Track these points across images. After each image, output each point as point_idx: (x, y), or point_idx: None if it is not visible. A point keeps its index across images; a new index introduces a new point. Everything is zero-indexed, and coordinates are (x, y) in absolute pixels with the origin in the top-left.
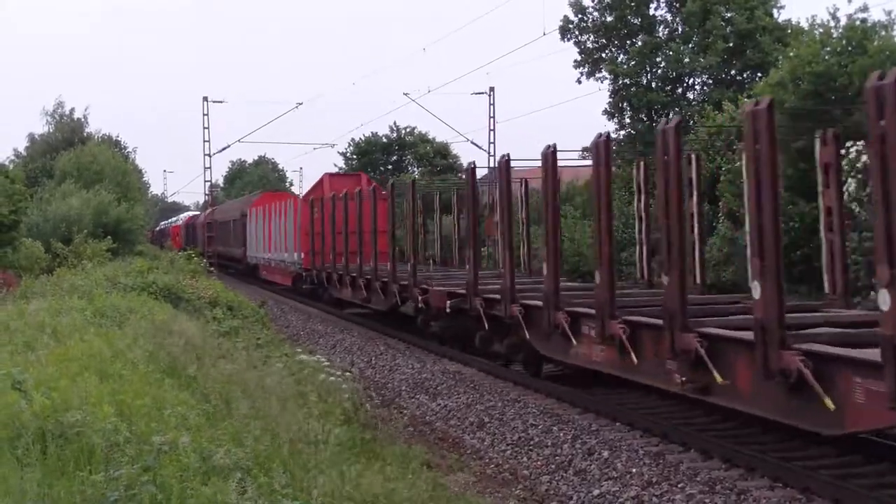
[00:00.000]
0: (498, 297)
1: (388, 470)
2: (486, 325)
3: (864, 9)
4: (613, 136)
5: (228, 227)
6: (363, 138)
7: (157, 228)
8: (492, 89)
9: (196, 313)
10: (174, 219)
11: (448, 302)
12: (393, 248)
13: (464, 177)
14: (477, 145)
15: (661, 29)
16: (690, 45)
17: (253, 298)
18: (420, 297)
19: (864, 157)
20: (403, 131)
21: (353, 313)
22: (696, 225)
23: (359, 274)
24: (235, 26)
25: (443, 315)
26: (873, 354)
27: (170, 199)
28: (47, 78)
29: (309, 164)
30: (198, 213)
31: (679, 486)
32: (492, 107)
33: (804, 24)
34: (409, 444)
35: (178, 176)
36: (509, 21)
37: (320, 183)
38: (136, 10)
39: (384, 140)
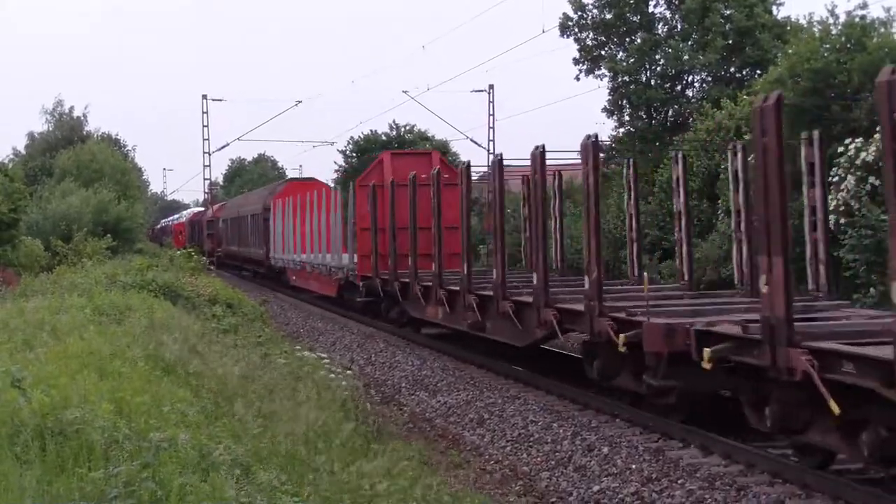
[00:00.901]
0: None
1: (388, 466)
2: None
3: (863, 5)
4: (613, 133)
5: (245, 224)
6: (363, 136)
7: (158, 226)
8: (491, 87)
9: (195, 311)
10: (176, 216)
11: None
12: (467, 249)
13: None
14: (476, 143)
15: (660, 26)
16: (689, 43)
17: (253, 297)
18: (616, 332)
19: (864, 154)
20: (403, 129)
21: (430, 334)
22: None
23: (465, 287)
24: (235, 25)
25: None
26: None
27: (169, 198)
28: (47, 77)
29: (308, 162)
30: (202, 209)
31: (679, 482)
32: (491, 104)
33: (803, 22)
34: (409, 441)
35: (178, 174)
36: (509, 19)
37: (378, 164)
38: (136, 9)
39: (384, 138)
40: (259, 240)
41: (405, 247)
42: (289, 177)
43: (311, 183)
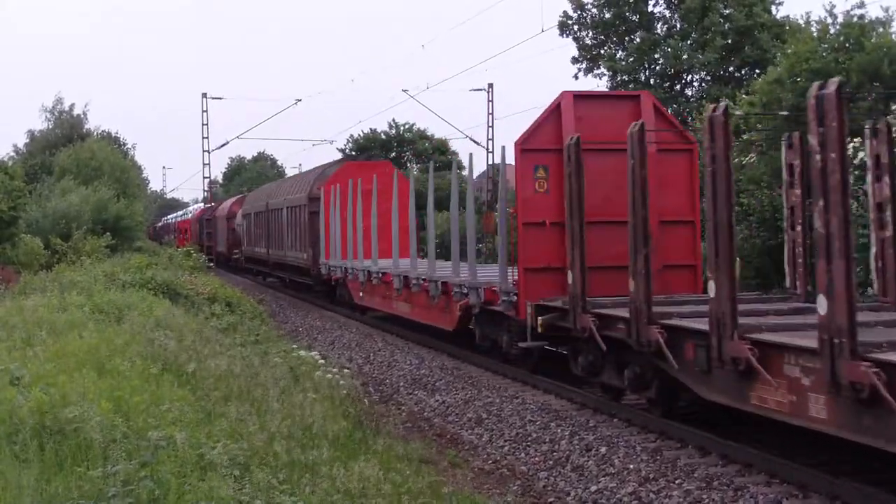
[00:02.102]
0: None
1: (386, 465)
2: None
3: (861, 5)
4: None
5: (277, 220)
6: (362, 135)
7: (159, 224)
8: (490, 86)
9: (195, 309)
10: (180, 213)
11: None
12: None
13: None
14: (475, 142)
15: (659, 25)
16: (689, 42)
17: (252, 294)
18: None
19: (861, 154)
20: (402, 128)
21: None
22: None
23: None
24: (234, 24)
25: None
26: None
27: (168, 196)
28: (47, 76)
29: (308, 160)
30: (210, 204)
31: (676, 482)
32: (490, 103)
33: (801, 21)
34: (407, 440)
35: (177, 172)
36: (508, 18)
37: (553, 114)
38: (136, 9)
39: (383, 136)
40: (301, 240)
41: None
42: (293, 169)
43: (374, 164)
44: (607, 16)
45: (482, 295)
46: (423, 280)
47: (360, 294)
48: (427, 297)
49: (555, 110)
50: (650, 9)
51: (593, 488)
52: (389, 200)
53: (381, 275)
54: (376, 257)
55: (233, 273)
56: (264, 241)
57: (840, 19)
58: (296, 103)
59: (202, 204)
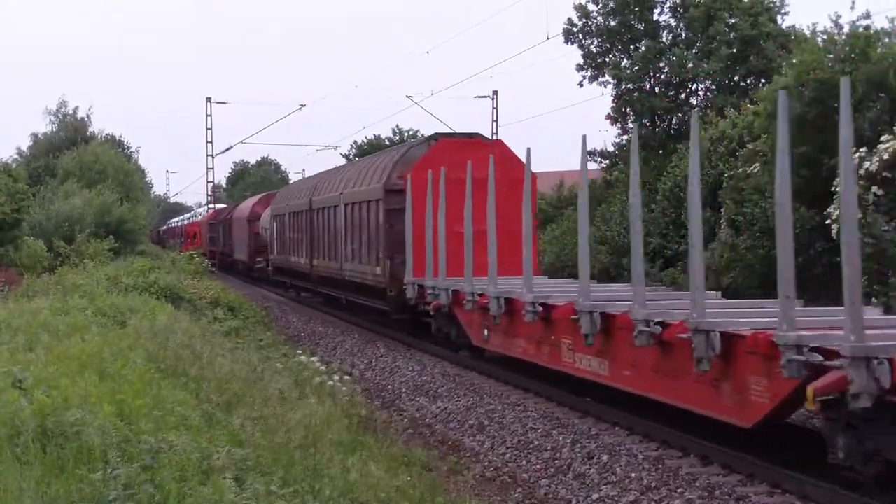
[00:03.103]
0: None
1: (388, 471)
2: None
3: (867, 16)
4: (616, 140)
5: (328, 221)
6: (366, 140)
7: (164, 228)
8: (495, 93)
9: (197, 314)
10: (187, 215)
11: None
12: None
13: None
14: None
15: (664, 34)
16: (694, 51)
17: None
18: None
19: (868, 164)
20: (406, 134)
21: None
22: None
23: None
24: (238, 27)
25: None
26: None
27: (172, 200)
28: (49, 78)
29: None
30: (222, 205)
31: (678, 491)
32: (495, 110)
33: (807, 32)
34: (409, 447)
35: (181, 176)
36: (513, 25)
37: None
38: (138, 10)
39: (387, 143)
40: (371, 248)
41: None
42: (291, 182)
43: (482, 143)
44: (612, 24)
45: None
46: (665, 326)
47: (485, 332)
48: (680, 359)
49: None
50: (655, 17)
51: (595, 496)
52: (512, 194)
53: (539, 307)
54: (530, 278)
55: (253, 284)
56: (305, 248)
57: (846, 30)
58: (300, 108)
59: (213, 206)
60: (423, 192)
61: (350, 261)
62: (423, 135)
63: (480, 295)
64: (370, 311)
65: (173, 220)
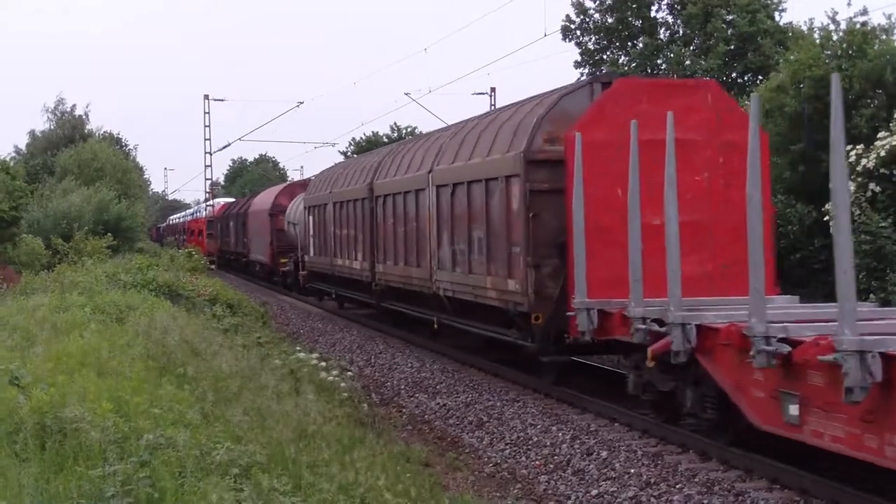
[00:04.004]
0: None
1: (386, 468)
2: None
3: (864, 12)
4: None
5: (397, 214)
6: (364, 137)
7: (164, 225)
8: (493, 90)
9: (196, 310)
10: (190, 211)
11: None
12: None
13: None
14: None
15: (662, 31)
16: (691, 48)
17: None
18: None
19: (864, 161)
20: (404, 131)
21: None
22: None
23: None
24: (236, 25)
25: None
26: None
27: (170, 197)
28: (47, 75)
29: (309, 162)
30: (230, 199)
31: (677, 486)
32: (493, 107)
33: (804, 28)
34: (408, 443)
35: (179, 174)
36: (510, 22)
37: None
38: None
39: (385, 140)
40: (497, 251)
41: None
42: (289, 178)
43: (691, 86)
44: (610, 21)
45: None
46: None
47: (789, 409)
48: None
49: None
50: (653, 14)
51: (594, 492)
52: (733, 164)
53: None
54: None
55: (273, 290)
56: (361, 249)
57: (843, 26)
58: (298, 105)
59: (220, 200)
60: (597, 163)
61: (450, 268)
62: (420, 131)
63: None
64: (493, 346)
65: (174, 216)
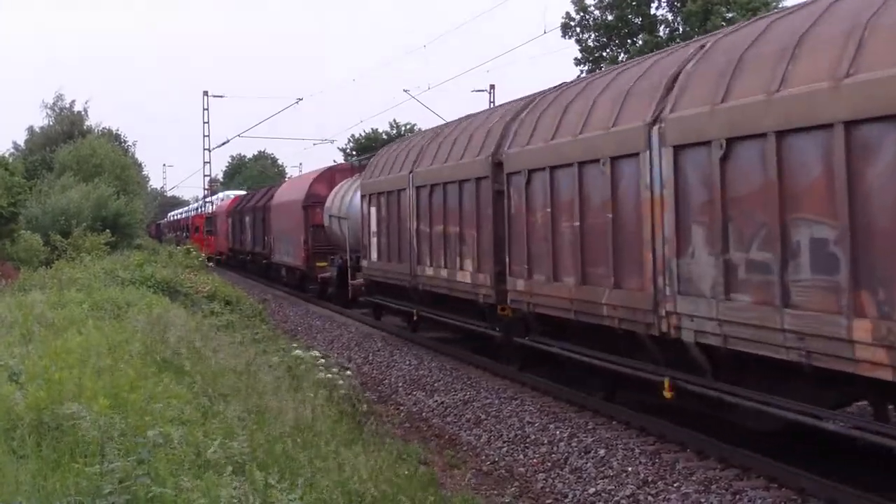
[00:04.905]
0: None
1: (384, 465)
2: None
3: None
4: None
5: (574, 197)
6: (363, 134)
7: (164, 221)
8: (492, 87)
9: (194, 307)
10: (194, 206)
11: None
12: None
13: None
14: None
15: (661, 28)
16: None
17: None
18: None
19: None
20: (403, 128)
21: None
22: None
23: None
24: (234, 21)
25: None
26: None
27: (169, 194)
28: (46, 71)
29: (308, 159)
30: (242, 192)
31: (675, 485)
32: (492, 104)
33: None
34: (406, 440)
35: (178, 170)
36: (510, 19)
37: None
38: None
39: (384, 137)
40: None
41: None
42: (288, 175)
43: None
44: (610, 18)
45: None
46: None
47: None
48: None
49: None
50: (653, 12)
51: (591, 490)
52: None
53: None
54: None
55: (308, 301)
56: (468, 252)
57: None
58: (297, 102)
59: (229, 193)
60: None
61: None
62: (419, 128)
63: None
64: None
65: (174, 211)
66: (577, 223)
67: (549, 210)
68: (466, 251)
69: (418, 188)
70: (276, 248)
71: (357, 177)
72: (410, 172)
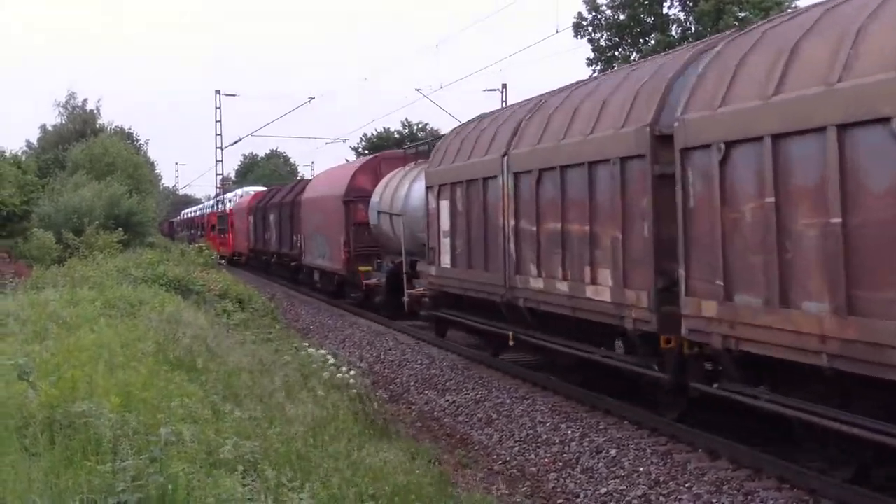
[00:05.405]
0: None
1: (396, 464)
2: None
3: None
4: None
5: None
6: (375, 133)
7: (177, 219)
8: (504, 86)
9: (206, 306)
10: (208, 203)
11: None
12: None
13: None
14: None
15: (674, 28)
16: None
17: (264, 292)
18: None
19: None
20: (415, 127)
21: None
22: None
23: None
24: (247, 20)
25: None
26: None
27: (181, 192)
28: (59, 69)
29: (320, 158)
30: (262, 188)
31: (686, 485)
32: (504, 104)
33: None
34: (418, 440)
35: (190, 169)
36: (522, 18)
37: None
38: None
39: (396, 136)
40: None
41: None
42: (300, 174)
43: None
44: (622, 17)
45: None
46: None
47: None
48: None
49: None
50: (665, 11)
51: (603, 490)
52: None
53: None
54: None
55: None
56: (603, 260)
57: None
58: (309, 101)
59: (248, 189)
60: None
61: None
62: (432, 128)
63: None
64: None
65: (189, 209)
66: (838, 219)
67: (771, 200)
68: (602, 258)
69: (517, 175)
70: (307, 249)
71: (411, 166)
72: (504, 155)
